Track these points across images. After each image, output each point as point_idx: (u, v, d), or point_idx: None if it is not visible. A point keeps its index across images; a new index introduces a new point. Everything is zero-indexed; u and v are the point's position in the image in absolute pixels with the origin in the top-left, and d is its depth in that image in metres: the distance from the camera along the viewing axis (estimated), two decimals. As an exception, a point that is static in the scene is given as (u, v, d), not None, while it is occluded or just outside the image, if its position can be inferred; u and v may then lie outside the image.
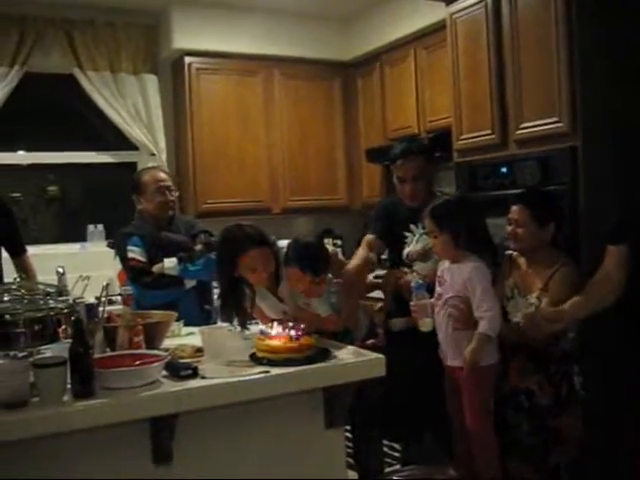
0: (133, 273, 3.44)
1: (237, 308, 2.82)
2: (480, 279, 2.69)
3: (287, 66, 5.33)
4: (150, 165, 4.69)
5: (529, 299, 2.77)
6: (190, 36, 4.94)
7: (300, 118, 5.40)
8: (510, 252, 2.93)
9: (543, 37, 3.31)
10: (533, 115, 3.40)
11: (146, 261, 3.45)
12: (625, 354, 2.74)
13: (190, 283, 3.47)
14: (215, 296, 3.70)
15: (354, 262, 3.11)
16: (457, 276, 2.74)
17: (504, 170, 3.55)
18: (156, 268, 3.43)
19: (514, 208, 2.84)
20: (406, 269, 3.10)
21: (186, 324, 3.00)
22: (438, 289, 2.82)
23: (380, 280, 3.27)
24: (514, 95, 3.52)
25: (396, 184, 3.20)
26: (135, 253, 3.45)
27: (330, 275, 2.80)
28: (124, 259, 3.50)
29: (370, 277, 3.16)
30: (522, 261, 2.88)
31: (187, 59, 4.99)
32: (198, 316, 3.33)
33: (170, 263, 3.41)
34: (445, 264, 2.83)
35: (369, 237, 3.30)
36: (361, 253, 3.19)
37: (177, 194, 3.69)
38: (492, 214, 2.91)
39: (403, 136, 4.75)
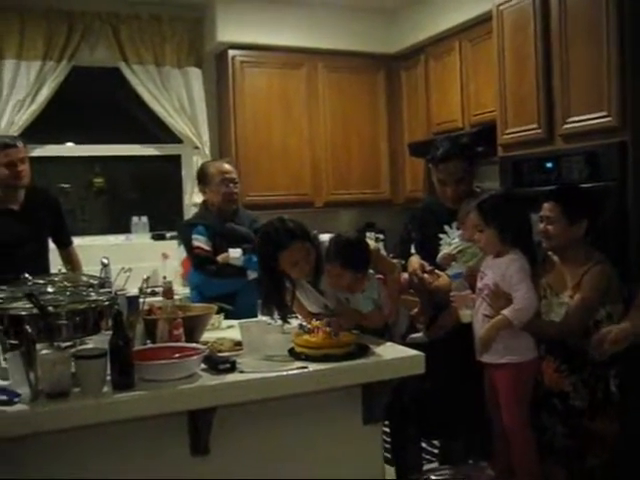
0: (198, 260, 3.52)
1: (278, 302, 2.82)
2: (517, 270, 2.65)
3: (331, 59, 5.31)
4: (221, 159, 4.76)
5: (561, 298, 2.71)
6: (234, 29, 4.95)
7: (343, 111, 5.38)
8: (549, 253, 2.87)
9: (593, 28, 3.23)
10: (581, 109, 3.32)
11: (210, 250, 3.52)
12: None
13: (252, 274, 3.48)
14: None
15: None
16: (496, 269, 2.71)
17: (550, 165, 3.48)
18: (221, 257, 3.50)
19: (545, 205, 2.78)
20: (438, 271, 3.05)
21: (244, 316, 2.99)
22: (479, 284, 2.78)
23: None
24: (561, 88, 3.44)
25: (436, 185, 3.13)
26: (200, 241, 3.52)
27: (372, 271, 2.78)
28: (189, 247, 3.56)
29: (405, 275, 3.11)
30: (556, 259, 2.82)
31: (231, 52, 5.01)
32: (256, 308, 3.34)
33: (235, 253, 3.48)
34: (487, 260, 2.78)
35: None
36: None
37: (238, 186, 3.73)
38: (536, 210, 2.86)
39: (446, 131, 4.69)
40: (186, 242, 3.61)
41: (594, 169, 3.22)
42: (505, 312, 2.62)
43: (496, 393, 2.72)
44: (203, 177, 3.72)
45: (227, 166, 3.73)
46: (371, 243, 2.94)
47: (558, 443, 2.69)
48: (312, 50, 5.20)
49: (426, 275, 3.05)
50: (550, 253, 2.85)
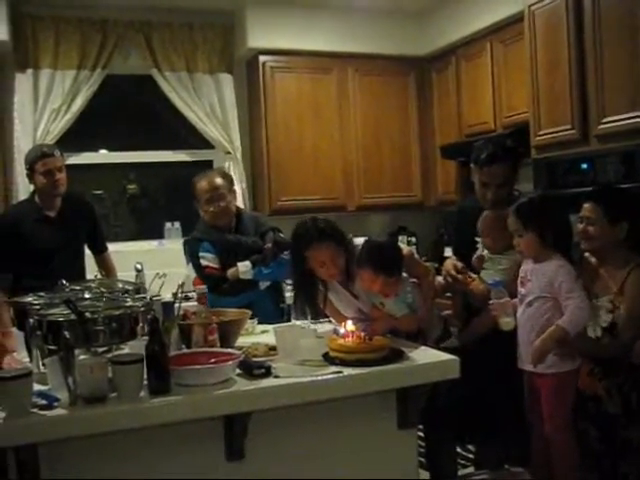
0: (210, 282, 3.37)
1: (310, 302, 2.83)
2: (566, 277, 2.60)
3: (361, 62, 5.30)
4: (218, 167, 4.78)
5: (600, 301, 2.66)
6: (264, 35, 4.97)
7: (374, 114, 5.37)
8: (586, 254, 2.82)
9: (627, 25, 3.19)
10: (616, 109, 3.28)
11: (219, 267, 3.44)
12: None
13: (265, 284, 3.47)
14: (287, 294, 3.70)
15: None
16: (541, 276, 2.65)
17: (585, 166, 3.44)
18: (231, 274, 3.41)
19: (586, 205, 2.73)
20: (472, 274, 3.03)
21: (262, 323, 3.01)
22: (521, 290, 2.73)
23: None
24: (596, 88, 3.40)
25: (477, 187, 3.09)
26: (208, 260, 3.44)
27: (405, 274, 2.77)
28: (198, 267, 3.48)
29: (439, 279, 3.09)
30: (594, 261, 2.77)
31: (262, 58, 5.03)
32: (274, 315, 3.33)
33: (244, 267, 3.40)
34: (528, 265, 2.74)
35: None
36: None
37: (229, 199, 3.55)
38: (571, 212, 2.82)
39: (477, 134, 4.66)
40: (194, 260, 3.50)
41: (630, 170, 3.18)
42: (560, 323, 2.56)
43: (537, 399, 2.67)
44: (193, 194, 3.58)
45: (216, 181, 3.53)
46: (405, 247, 2.92)
47: (591, 447, 2.64)
48: (342, 54, 5.21)
49: (460, 276, 3.03)
50: (587, 255, 2.80)
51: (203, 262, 3.44)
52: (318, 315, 2.85)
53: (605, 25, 3.32)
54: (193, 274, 3.54)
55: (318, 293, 2.82)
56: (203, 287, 2.78)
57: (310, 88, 5.17)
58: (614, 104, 3.30)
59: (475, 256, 3.03)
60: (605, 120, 3.35)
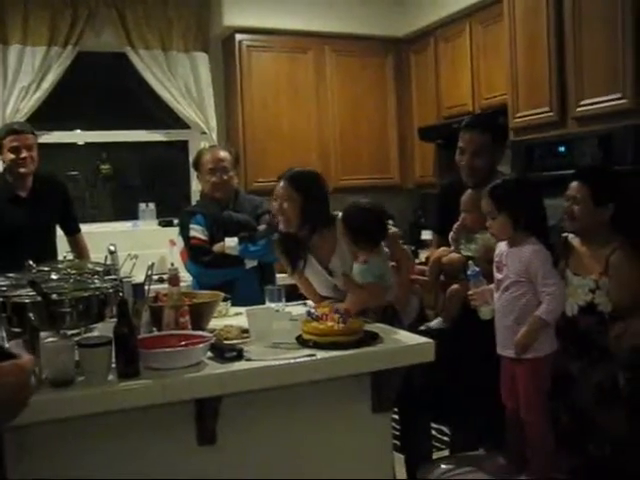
0: (193, 252, 3.45)
1: (290, 255, 2.95)
2: (542, 261, 2.56)
3: (338, 43, 5.24)
4: (212, 144, 4.71)
5: (585, 281, 2.64)
6: (241, 13, 4.89)
7: (352, 96, 5.31)
8: (566, 234, 2.80)
9: (607, 8, 3.17)
10: (594, 91, 3.26)
11: (207, 240, 3.46)
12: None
13: (251, 263, 3.44)
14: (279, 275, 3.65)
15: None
16: (517, 260, 2.62)
17: (562, 149, 3.42)
18: (216, 247, 3.43)
19: (573, 184, 2.69)
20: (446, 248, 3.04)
21: (245, 304, 2.96)
22: (497, 275, 2.69)
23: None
24: (574, 70, 3.38)
25: (457, 154, 3.09)
26: (196, 231, 3.46)
27: (387, 250, 2.75)
28: (185, 237, 3.50)
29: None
30: (576, 242, 2.75)
31: (238, 36, 4.95)
32: (257, 297, 3.28)
33: (231, 242, 3.41)
34: (501, 247, 2.71)
35: (435, 237, 3.36)
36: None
37: (232, 174, 3.60)
38: (549, 195, 2.79)
39: (456, 115, 4.63)
40: (183, 232, 3.54)
41: (608, 153, 3.17)
42: (539, 314, 2.53)
43: (514, 383, 2.65)
44: (196, 165, 3.67)
45: (220, 154, 3.61)
46: (392, 228, 2.89)
47: (561, 428, 2.63)
48: (319, 34, 5.14)
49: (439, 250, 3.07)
50: (570, 238, 2.78)
51: (191, 232, 3.47)
52: (297, 265, 2.93)
53: (585, 6, 3.29)
54: (182, 245, 3.56)
55: (298, 252, 2.91)
56: (175, 267, 2.71)
57: (287, 68, 5.10)
58: (592, 86, 3.28)
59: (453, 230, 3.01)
60: (583, 102, 3.33)
